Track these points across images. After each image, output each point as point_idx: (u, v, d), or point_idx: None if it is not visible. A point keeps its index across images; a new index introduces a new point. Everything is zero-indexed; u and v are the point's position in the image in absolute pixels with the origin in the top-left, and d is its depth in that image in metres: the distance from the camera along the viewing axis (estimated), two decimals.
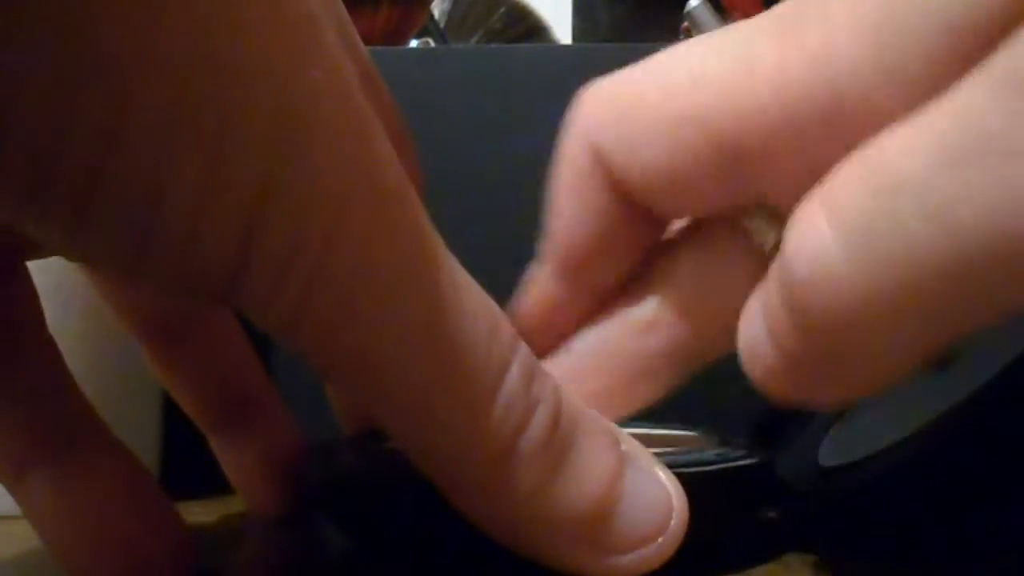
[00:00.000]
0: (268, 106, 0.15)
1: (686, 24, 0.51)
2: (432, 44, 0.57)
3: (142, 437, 0.32)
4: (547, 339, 0.24)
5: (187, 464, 0.34)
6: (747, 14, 0.49)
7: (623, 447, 0.20)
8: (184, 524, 0.22)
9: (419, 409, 0.18)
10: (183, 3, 0.14)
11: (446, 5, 0.73)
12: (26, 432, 0.21)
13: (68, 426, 0.21)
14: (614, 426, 0.21)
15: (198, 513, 0.31)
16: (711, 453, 0.26)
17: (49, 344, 0.22)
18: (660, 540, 0.20)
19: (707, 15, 0.50)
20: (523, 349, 0.19)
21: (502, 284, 0.37)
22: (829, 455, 0.28)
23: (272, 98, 0.15)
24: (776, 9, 0.19)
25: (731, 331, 0.20)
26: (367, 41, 0.27)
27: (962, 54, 0.15)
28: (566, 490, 0.19)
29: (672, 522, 0.20)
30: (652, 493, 0.20)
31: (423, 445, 0.19)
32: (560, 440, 0.19)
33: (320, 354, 0.17)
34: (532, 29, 0.79)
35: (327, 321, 0.17)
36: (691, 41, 0.21)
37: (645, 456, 0.21)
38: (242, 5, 0.14)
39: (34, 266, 0.30)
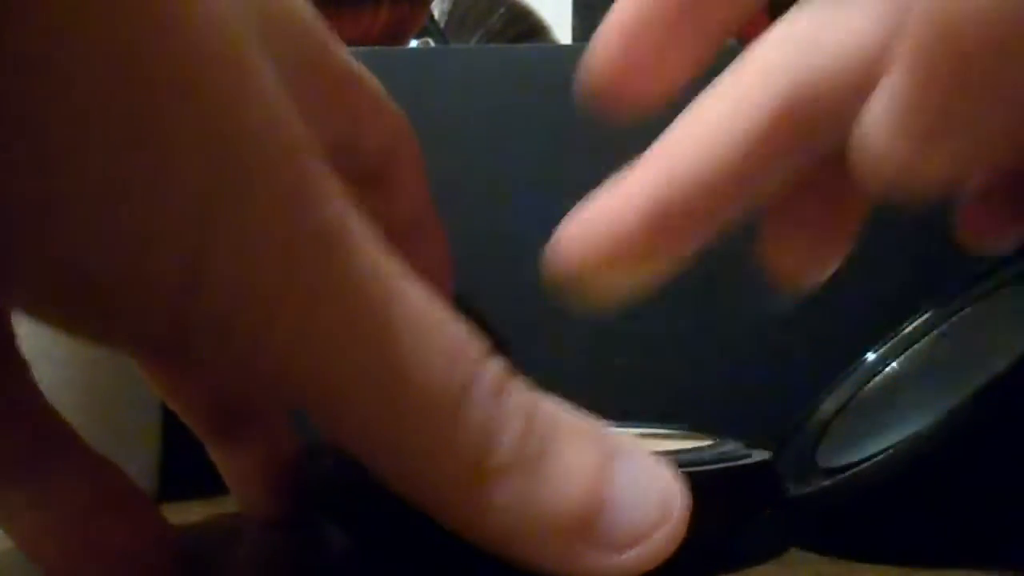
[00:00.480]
0: (199, 164, 0.14)
1: None
2: (432, 44, 0.57)
3: (142, 438, 0.32)
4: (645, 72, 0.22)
5: (187, 464, 0.34)
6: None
7: (611, 441, 0.20)
8: (168, 527, 0.22)
9: (384, 439, 0.18)
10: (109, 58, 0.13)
11: (446, 5, 0.73)
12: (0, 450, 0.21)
13: (41, 440, 0.21)
14: (599, 423, 0.21)
15: (198, 513, 0.31)
16: (712, 453, 0.26)
17: (21, 362, 0.22)
18: (660, 535, 0.20)
19: None
20: (491, 363, 0.19)
21: (501, 283, 0.37)
22: (828, 455, 0.28)
23: (202, 153, 0.14)
24: None
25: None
26: (367, 41, 0.27)
27: None
28: (547, 495, 0.19)
29: (674, 515, 0.20)
30: (647, 486, 0.20)
31: (396, 471, 0.19)
32: (535, 447, 0.19)
33: (276, 400, 0.17)
34: (532, 29, 0.79)
35: (275, 374, 0.17)
36: None
37: (638, 450, 0.20)
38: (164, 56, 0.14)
39: None
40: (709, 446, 0.26)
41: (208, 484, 0.34)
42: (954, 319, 0.30)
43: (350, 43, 0.42)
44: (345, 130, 0.26)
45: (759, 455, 0.26)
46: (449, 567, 0.24)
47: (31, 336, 0.30)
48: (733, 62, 0.21)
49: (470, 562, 0.24)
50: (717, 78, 0.21)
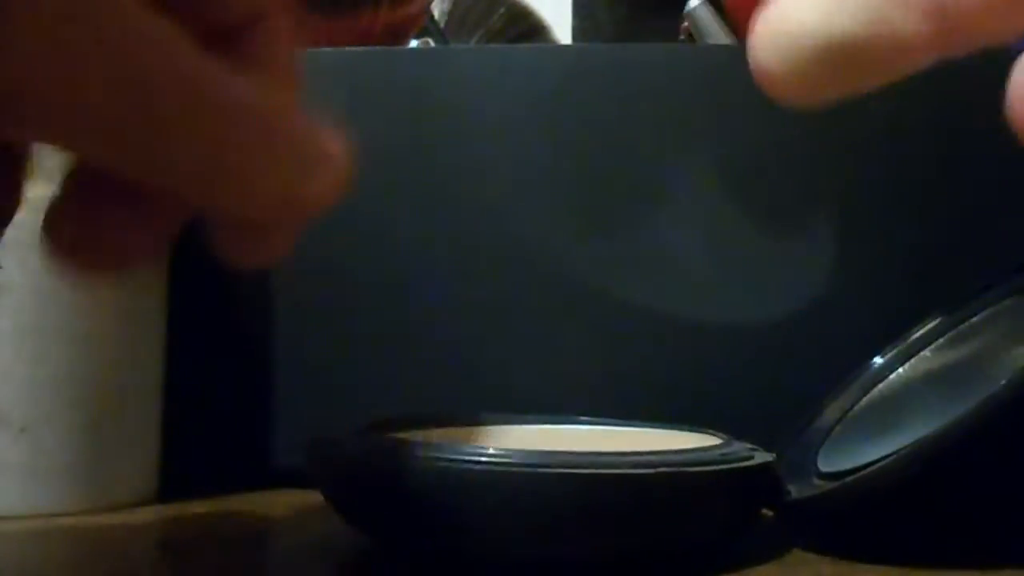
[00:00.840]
0: None
1: (686, 24, 0.51)
2: (432, 44, 0.57)
3: (142, 438, 0.32)
4: None
5: (187, 464, 0.34)
6: (748, 14, 0.49)
7: None
8: None
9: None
10: None
11: (446, 5, 0.73)
12: None
13: None
14: None
15: (198, 513, 0.31)
16: (713, 453, 0.26)
17: None
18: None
19: (707, 15, 0.50)
20: None
21: (502, 282, 0.38)
22: (830, 459, 0.28)
23: None
24: None
25: None
26: (367, 41, 0.27)
27: None
28: None
29: None
30: None
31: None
32: None
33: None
34: (532, 29, 0.79)
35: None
36: None
37: None
38: None
39: (37, 267, 0.30)
40: (714, 446, 0.26)
41: (208, 484, 0.34)
42: (961, 327, 0.30)
43: (350, 43, 0.42)
44: None
45: (762, 457, 0.26)
46: (453, 560, 0.24)
47: (31, 339, 0.30)
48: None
49: (473, 556, 0.24)
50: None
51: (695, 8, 0.50)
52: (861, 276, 0.35)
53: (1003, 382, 0.23)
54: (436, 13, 0.66)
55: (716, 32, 0.49)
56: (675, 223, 0.36)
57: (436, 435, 0.28)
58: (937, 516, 0.25)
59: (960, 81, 0.34)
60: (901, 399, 0.29)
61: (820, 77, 0.18)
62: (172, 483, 0.33)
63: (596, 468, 0.24)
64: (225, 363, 0.37)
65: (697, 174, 0.36)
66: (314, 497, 0.27)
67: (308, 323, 0.36)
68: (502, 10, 0.76)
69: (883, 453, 0.25)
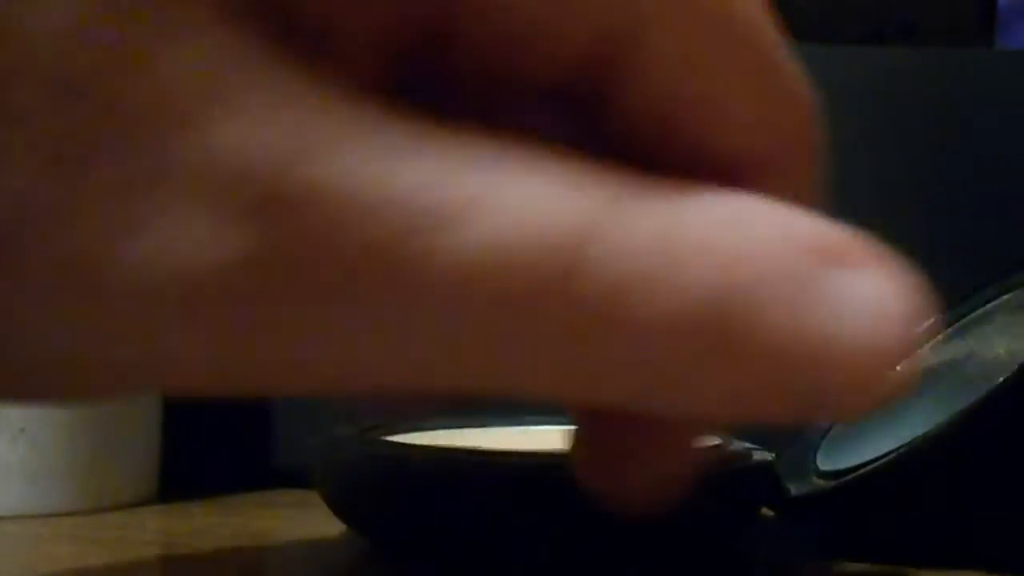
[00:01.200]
0: None
1: None
2: None
3: (142, 438, 0.32)
4: None
5: (187, 464, 0.34)
6: None
7: None
8: None
9: None
10: None
11: None
12: None
13: None
14: None
15: (198, 513, 0.31)
16: (714, 454, 0.25)
17: None
18: None
19: None
20: None
21: None
22: (829, 458, 0.28)
23: None
24: None
25: None
26: None
27: None
28: None
29: None
30: None
31: None
32: None
33: None
34: None
35: None
36: None
37: None
38: None
39: None
40: (712, 447, 0.26)
41: (208, 484, 0.34)
42: (959, 324, 0.30)
43: None
44: None
45: (761, 456, 0.26)
46: (454, 561, 0.24)
47: None
48: None
49: (475, 556, 0.24)
50: None
51: None
52: None
53: (1002, 379, 0.23)
54: None
55: None
56: None
57: (436, 436, 0.28)
58: (937, 514, 0.25)
59: (960, 80, 0.34)
60: (902, 401, 0.29)
61: None
62: (172, 483, 0.33)
63: None
64: None
65: None
66: (314, 497, 0.27)
67: None
68: None
69: (882, 451, 0.25)
